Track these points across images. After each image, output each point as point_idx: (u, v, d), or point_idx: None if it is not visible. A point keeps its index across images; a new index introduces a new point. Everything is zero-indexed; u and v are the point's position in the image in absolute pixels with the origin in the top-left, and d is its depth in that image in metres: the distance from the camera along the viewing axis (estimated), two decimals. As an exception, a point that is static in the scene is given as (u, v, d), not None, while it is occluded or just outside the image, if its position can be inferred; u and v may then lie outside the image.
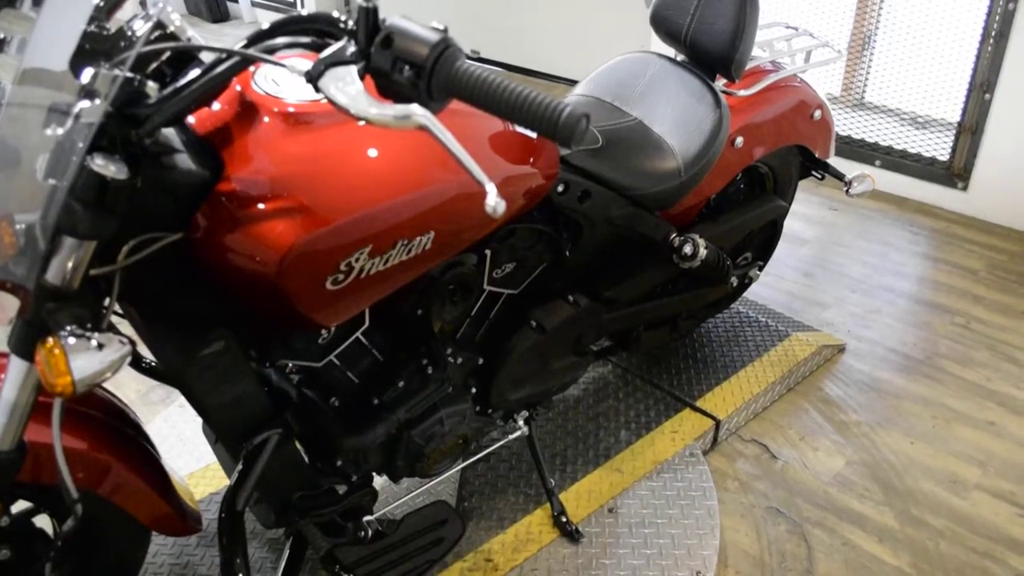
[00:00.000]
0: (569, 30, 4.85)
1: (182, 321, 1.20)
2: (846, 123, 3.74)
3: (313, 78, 0.96)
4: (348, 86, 0.94)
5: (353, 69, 0.95)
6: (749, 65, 2.04)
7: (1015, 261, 3.11)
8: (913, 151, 3.55)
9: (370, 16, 0.95)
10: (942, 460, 2.15)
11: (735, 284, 2.11)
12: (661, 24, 1.97)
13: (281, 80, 1.21)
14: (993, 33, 3.17)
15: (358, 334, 1.46)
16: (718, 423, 2.15)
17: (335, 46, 0.97)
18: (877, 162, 3.64)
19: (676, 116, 1.81)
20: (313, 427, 1.48)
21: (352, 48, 0.97)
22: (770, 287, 2.90)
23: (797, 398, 2.37)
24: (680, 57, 1.98)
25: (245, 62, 1.04)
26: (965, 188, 3.42)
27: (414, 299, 1.45)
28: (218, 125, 1.16)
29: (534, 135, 1.48)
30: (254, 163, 1.13)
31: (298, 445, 1.45)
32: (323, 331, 1.41)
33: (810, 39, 2.20)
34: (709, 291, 2.07)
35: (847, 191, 2.32)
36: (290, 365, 1.40)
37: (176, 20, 1.11)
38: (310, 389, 1.48)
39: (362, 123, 1.06)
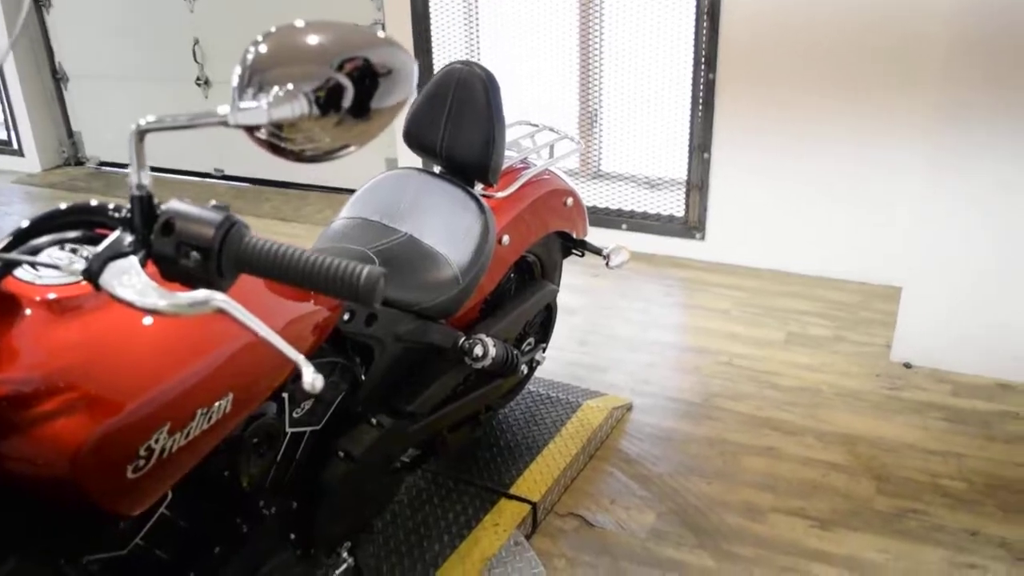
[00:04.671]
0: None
1: None
2: (589, 194, 4.04)
3: (93, 275, 0.92)
4: (133, 279, 0.91)
5: (134, 260, 0.92)
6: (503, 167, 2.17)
7: (757, 296, 3.48)
8: (653, 211, 3.90)
9: (144, 204, 0.93)
10: (737, 492, 2.33)
11: (524, 371, 2.20)
12: (414, 140, 2.05)
13: (40, 267, 1.14)
14: (700, 100, 3.59)
15: (162, 510, 1.37)
16: (535, 505, 2.21)
17: (111, 238, 0.94)
18: (623, 225, 3.95)
19: (445, 226, 1.88)
20: None
21: (129, 238, 0.94)
22: (553, 360, 3.03)
23: (600, 463, 2.49)
24: (438, 169, 2.07)
25: (7, 267, 0.98)
26: (703, 238, 3.80)
27: (219, 462, 1.38)
28: None
29: None
30: (22, 361, 1.05)
31: None
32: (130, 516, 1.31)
33: (551, 133, 2.38)
34: (502, 383, 2.14)
35: (607, 264, 2.50)
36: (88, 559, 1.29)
37: None
38: None
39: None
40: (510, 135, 2.29)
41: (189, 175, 5.48)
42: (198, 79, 5.11)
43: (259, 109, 0.90)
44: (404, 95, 1.00)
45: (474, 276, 1.85)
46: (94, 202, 1.01)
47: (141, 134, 0.94)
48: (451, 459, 2.40)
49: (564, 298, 3.47)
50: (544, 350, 2.40)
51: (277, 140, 0.94)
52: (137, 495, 1.14)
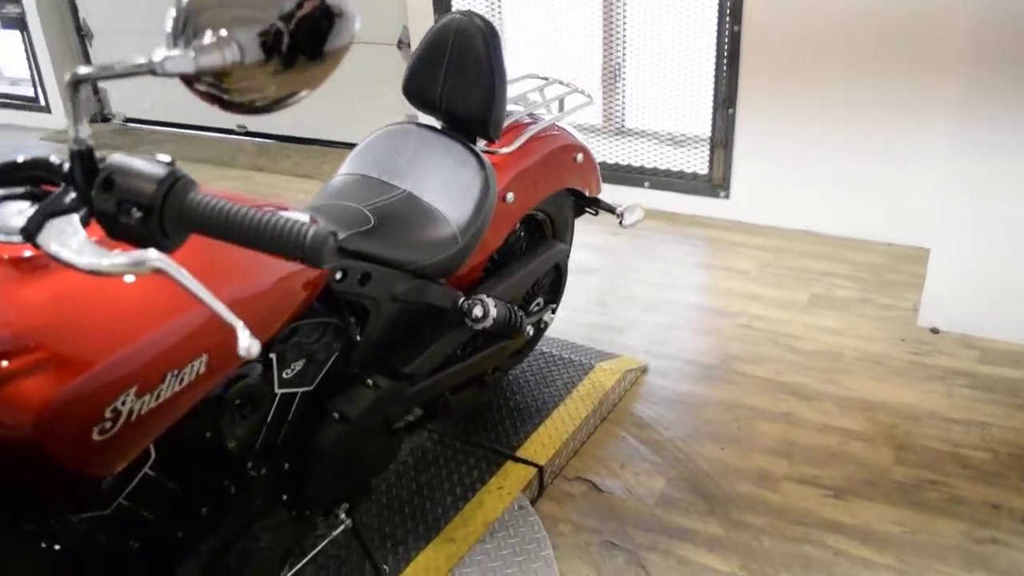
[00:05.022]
0: (339, 96, 4.82)
1: None
2: (611, 151, 3.94)
3: (31, 233, 0.87)
4: (70, 238, 0.86)
5: (75, 218, 0.88)
6: (508, 121, 2.10)
7: (780, 257, 3.38)
8: (676, 169, 3.80)
9: (84, 159, 0.89)
10: (751, 459, 2.28)
11: (531, 332, 2.15)
12: (415, 95, 1.99)
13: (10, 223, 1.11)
14: (726, 54, 3.46)
15: (146, 470, 1.35)
16: (541, 469, 2.17)
17: (53, 195, 0.89)
18: (646, 183, 3.86)
19: (444, 183, 1.82)
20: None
21: (72, 195, 0.89)
22: (568, 321, 2.98)
23: (612, 427, 2.44)
24: (440, 124, 2.00)
25: None
26: (727, 196, 3.70)
27: (199, 423, 1.35)
28: None
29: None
30: None
31: None
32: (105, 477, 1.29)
33: (561, 87, 2.29)
34: (508, 344, 2.09)
35: (620, 223, 2.43)
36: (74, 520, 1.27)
37: None
38: (105, 536, 1.35)
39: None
40: (519, 88, 2.22)
41: (213, 131, 5.46)
42: (219, 34, 5.06)
43: (185, 57, 0.85)
44: (351, 36, 0.95)
45: (473, 234, 1.79)
46: (46, 156, 0.96)
47: (75, 83, 0.89)
48: (458, 420, 2.36)
49: (582, 257, 3.41)
50: (554, 311, 2.34)
51: (218, 92, 0.89)
52: (105, 457, 1.11)
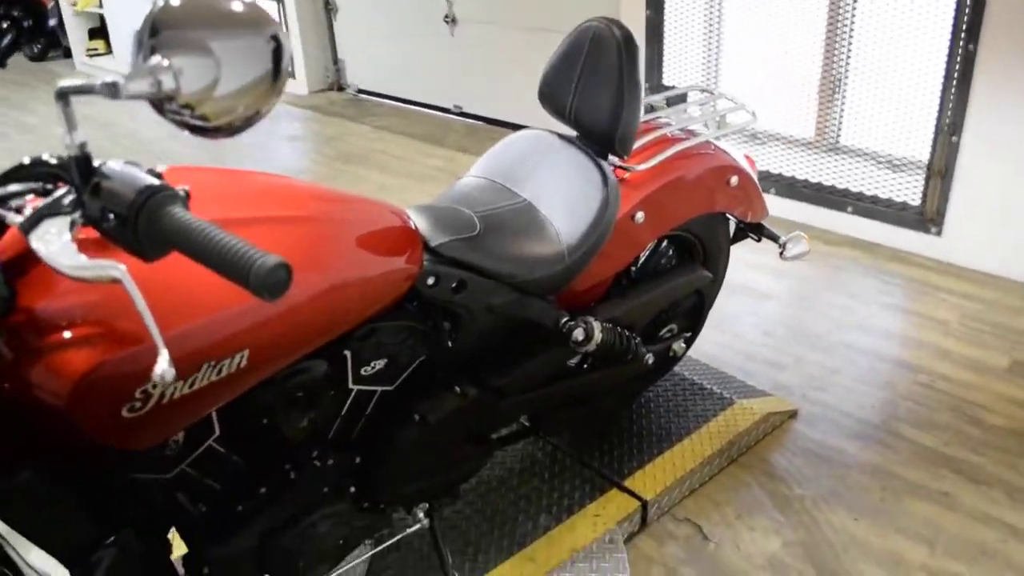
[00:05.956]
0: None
1: None
2: (817, 169, 3.64)
3: (25, 229, 0.92)
4: (55, 238, 0.90)
5: (65, 220, 0.92)
6: (656, 135, 1.98)
7: (990, 310, 2.98)
8: (884, 196, 3.45)
9: (81, 164, 0.92)
10: (887, 538, 2.02)
11: (651, 362, 2.02)
12: (548, 101, 1.92)
13: None
14: (956, 75, 3.08)
15: (210, 442, 1.41)
16: (645, 504, 2.05)
17: (55, 194, 0.94)
18: (849, 208, 3.54)
19: (563, 196, 1.75)
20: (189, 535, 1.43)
21: (71, 197, 0.93)
22: (726, 347, 2.80)
23: (740, 471, 2.27)
24: (575, 133, 1.92)
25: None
26: (939, 233, 3.31)
27: (259, 408, 1.39)
28: (8, 256, 1.13)
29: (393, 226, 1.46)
30: (46, 290, 1.09)
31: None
32: (170, 443, 1.36)
33: (726, 102, 2.13)
34: (622, 369, 1.99)
35: (781, 254, 2.23)
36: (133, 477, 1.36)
37: None
38: (178, 494, 1.43)
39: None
40: (677, 101, 2.08)
41: (430, 108, 5.67)
42: (446, 16, 5.23)
43: (141, 81, 0.85)
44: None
45: (583, 254, 1.70)
46: (50, 159, 1.01)
47: (63, 95, 0.92)
48: (577, 434, 2.29)
49: (759, 279, 3.19)
50: (688, 341, 2.20)
51: (187, 117, 0.89)
52: (134, 434, 1.16)
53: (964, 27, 2.96)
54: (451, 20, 5.22)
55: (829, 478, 2.22)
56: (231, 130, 0.94)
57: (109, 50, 7.37)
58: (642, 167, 1.87)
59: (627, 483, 2.12)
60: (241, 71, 0.91)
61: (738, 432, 2.30)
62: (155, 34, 0.89)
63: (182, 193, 0.92)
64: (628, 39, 1.77)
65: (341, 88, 6.29)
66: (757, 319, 2.99)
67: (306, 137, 5.45)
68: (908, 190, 3.37)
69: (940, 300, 3.06)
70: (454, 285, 1.58)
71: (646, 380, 2.32)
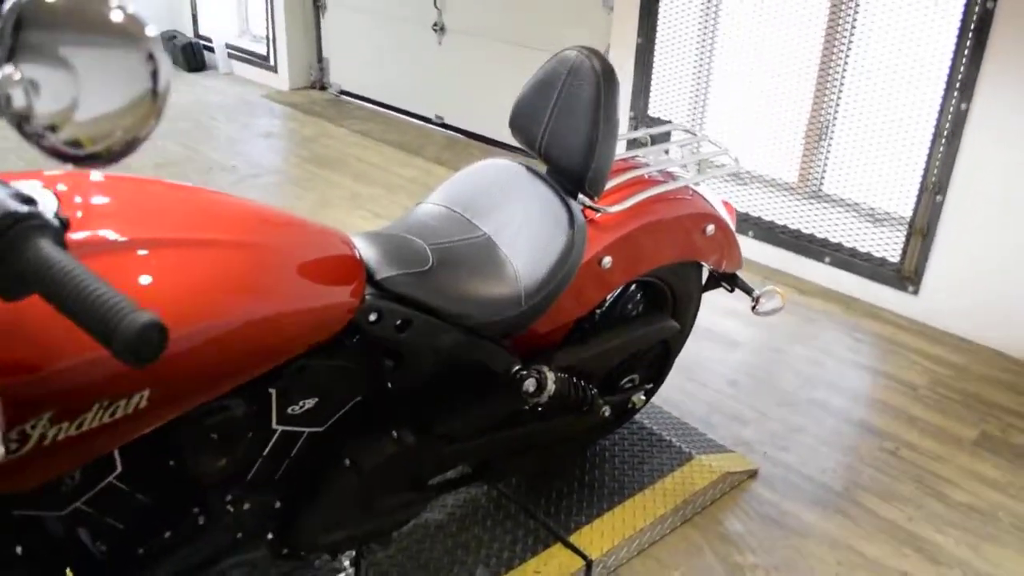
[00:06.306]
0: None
1: None
2: (797, 216, 3.56)
3: None
4: None
5: None
6: (631, 175, 1.87)
7: (961, 377, 2.90)
8: (863, 249, 3.37)
9: None
10: (840, 618, 1.92)
11: (608, 414, 1.90)
12: (518, 130, 1.81)
13: None
14: (945, 133, 3.00)
15: (111, 479, 1.27)
16: (589, 564, 1.93)
17: None
18: (827, 259, 3.45)
19: (527, 235, 1.63)
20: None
21: None
22: (689, 395, 2.70)
23: (692, 531, 2.15)
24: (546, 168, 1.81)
25: None
26: (916, 292, 3.23)
27: (162, 448, 1.26)
28: None
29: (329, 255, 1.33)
30: None
31: None
32: (65, 478, 1.23)
33: (710, 146, 2.03)
34: (577, 420, 1.87)
35: (753, 308, 2.13)
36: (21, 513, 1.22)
37: None
38: (78, 531, 1.29)
39: None
40: (657, 142, 1.98)
41: (412, 117, 5.54)
42: (435, 24, 5.11)
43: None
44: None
45: (542, 299, 1.58)
46: None
47: None
48: (524, 481, 2.17)
49: (728, 326, 3.10)
50: (648, 393, 2.08)
51: (54, 141, 0.76)
52: (9, 476, 1.03)
53: (958, 84, 2.88)
54: (440, 29, 5.10)
55: (785, 547, 2.12)
56: (108, 157, 0.81)
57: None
58: (614, 209, 1.76)
59: (573, 538, 2.00)
60: (111, 90, 0.78)
61: (694, 491, 2.19)
62: (18, 30, 0.76)
63: (56, 223, 0.79)
64: (608, 73, 1.65)
65: (323, 87, 6.15)
66: (723, 368, 2.89)
67: (282, 135, 5.30)
68: (888, 246, 3.30)
69: (911, 362, 2.98)
70: (398, 323, 1.45)
71: (603, 429, 2.20)
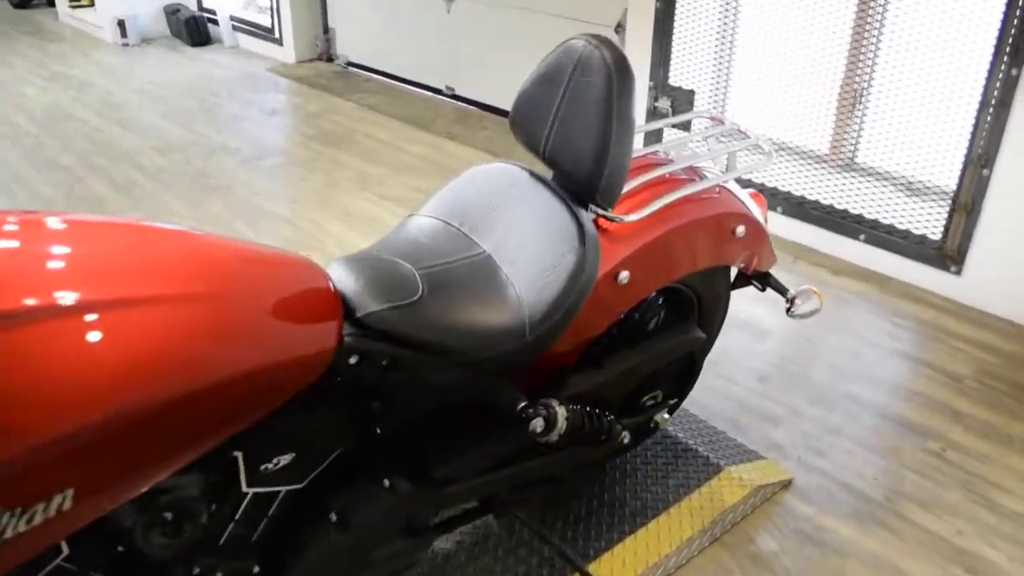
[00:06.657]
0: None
1: None
2: (829, 190, 3.33)
3: None
4: None
5: None
6: (649, 175, 1.67)
7: (1009, 365, 2.69)
8: (902, 226, 3.14)
9: None
10: (885, 652, 1.76)
11: (627, 440, 1.73)
12: (520, 130, 1.60)
13: None
14: (994, 100, 2.76)
15: (59, 562, 1.12)
16: (610, 597, 1.78)
17: None
18: (861, 236, 3.23)
19: (532, 253, 1.44)
20: None
21: None
22: (717, 393, 2.52)
23: (721, 553, 1.99)
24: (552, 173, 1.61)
25: None
26: (959, 272, 3.01)
27: (108, 533, 1.10)
28: None
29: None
30: None
31: None
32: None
33: (741, 136, 1.82)
34: (592, 449, 1.70)
35: (788, 311, 1.94)
36: None
37: None
38: None
39: None
40: (678, 132, 1.77)
41: (421, 88, 5.33)
42: (443, -9, 4.87)
43: None
44: None
45: (549, 329, 1.40)
46: None
47: None
48: (539, 504, 2.01)
49: (759, 314, 2.90)
50: (671, 410, 1.90)
51: None
52: None
53: (1008, 48, 2.63)
54: (448, -4, 4.86)
55: (821, 567, 1.95)
56: None
57: (92, 3, 6.97)
58: (631, 218, 1.56)
59: (592, 567, 1.84)
60: None
61: (724, 508, 2.02)
62: None
63: None
64: (620, 64, 1.44)
65: (330, 59, 5.94)
66: (753, 360, 2.70)
67: (287, 112, 5.11)
68: (928, 222, 3.07)
69: (955, 350, 2.77)
70: (384, 363, 1.28)
71: (621, 449, 2.03)
